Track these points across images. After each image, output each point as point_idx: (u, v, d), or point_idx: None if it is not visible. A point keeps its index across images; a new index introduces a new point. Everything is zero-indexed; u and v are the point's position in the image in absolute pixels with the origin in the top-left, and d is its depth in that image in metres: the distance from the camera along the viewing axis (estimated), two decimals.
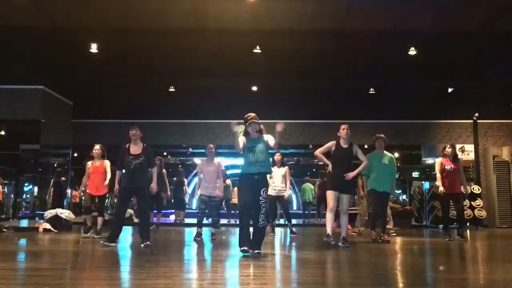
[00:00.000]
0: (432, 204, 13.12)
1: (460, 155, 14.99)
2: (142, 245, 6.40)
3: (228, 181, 14.36)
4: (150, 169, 6.87)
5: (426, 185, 14.53)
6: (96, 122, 15.08)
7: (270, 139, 5.74)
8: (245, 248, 5.45)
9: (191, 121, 15.43)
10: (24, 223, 12.30)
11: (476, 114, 14.98)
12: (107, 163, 8.32)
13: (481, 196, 13.45)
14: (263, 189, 5.57)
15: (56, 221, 9.99)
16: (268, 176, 8.95)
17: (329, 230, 6.86)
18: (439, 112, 14.80)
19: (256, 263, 5.26)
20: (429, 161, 15.79)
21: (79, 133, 14.64)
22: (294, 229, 9.43)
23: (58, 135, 13.89)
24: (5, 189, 15.03)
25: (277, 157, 9.30)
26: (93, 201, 8.59)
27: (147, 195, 6.80)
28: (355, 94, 13.65)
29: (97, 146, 8.47)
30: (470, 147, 15.09)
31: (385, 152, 7.85)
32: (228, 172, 17.93)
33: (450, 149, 8.25)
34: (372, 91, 13.30)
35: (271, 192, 9.22)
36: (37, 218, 11.82)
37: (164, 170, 11.12)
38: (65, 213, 10.31)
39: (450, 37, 10.03)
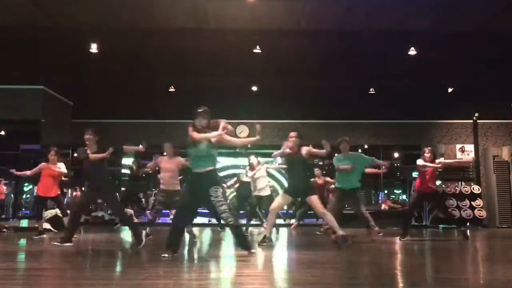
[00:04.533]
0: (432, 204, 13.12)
1: (460, 155, 15.08)
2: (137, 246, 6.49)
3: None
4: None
5: None
6: (96, 122, 15.06)
7: (214, 134, 5.57)
8: (167, 255, 5.20)
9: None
10: (24, 223, 12.30)
11: (476, 114, 14.98)
12: (61, 165, 8.67)
13: (481, 196, 13.46)
14: (212, 188, 5.34)
15: (56, 221, 9.99)
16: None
17: (268, 230, 7.01)
18: (439, 112, 14.79)
19: (256, 263, 5.26)
20: None
21: (79, 133, 14.61)
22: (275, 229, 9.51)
23: (58, 135, 13.89)
24: (5, 189, 15.03)
25: (254, 160, 9.55)
26: (44, 202, 8.88)
27: (111, 197, 6.80)
28: (355, 94, 13.64)
29: (52, 151, 8.70)
30: (470, 147, 15.10)
31: (350, 153, 8.02)
32: (226, 172, 17.93)
33: (429, 154, 8.45)
34: (372, 91, 13.29)
35: (254, 193, 9.53)
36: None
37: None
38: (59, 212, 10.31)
39: (450, 37, 10.03)
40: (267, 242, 6.91)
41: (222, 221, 8.57)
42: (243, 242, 5.56)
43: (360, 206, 8.04)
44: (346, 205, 9.20)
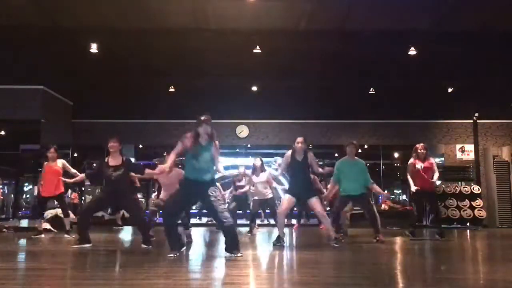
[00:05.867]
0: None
1: (460, 155, 15.08)
2: (145, 246, 6.48)
3: (217, 184, 14.39)
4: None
5: None
6: (96, 122, 15.09)
7: (217, 150, 5.61)
8: (173, 254, 5.34)
9: (191, 121, 15.37)
10: (24, 223, 12.29)
11: (476, 114, 14.98)
12: (61, 162, 8.53)
13: (481, 196, 13.45)
14: (211, 188, 5.39)
15: (56, 221, 9.99)
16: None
17: (280, 232, 7.02)
18: (439, 112, 14.80)
19: (256, 263, 5.27)
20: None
21: (79, 133, 14.65)
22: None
23: (58, 135, 13.88)
24: (5, 189, 15.04)
25: (258, 162, 9.40)
26: (45, 203, 8.87)
27: (131, 202, 6.75)
28: (355, 94, 13.65)
29: (52, 149, 8.61)
30: (470, 147, 15.10)
31: (356, 158, 7.86)
32: (226, 172, 17.91)
33: (423, 150, 8.40)
34: (372, 91, 13.29)
35: (255, 197, 9.47)
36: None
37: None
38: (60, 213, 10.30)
39: (450, 37, 10.03)
40: (281, 243, 6.89)
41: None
42: (234, 243, 5.44)
43: (370, 208, 7.85)
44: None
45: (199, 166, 5.43)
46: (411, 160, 8.50)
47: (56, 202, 9.01)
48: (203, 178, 5.43)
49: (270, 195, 9.38)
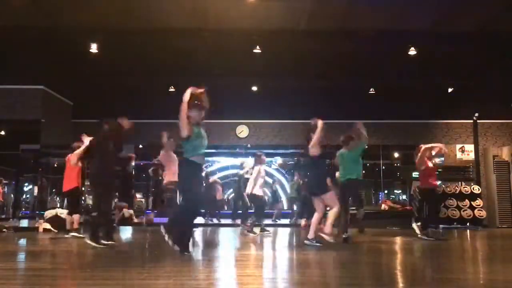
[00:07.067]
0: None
1: (460, 155, 15.10)
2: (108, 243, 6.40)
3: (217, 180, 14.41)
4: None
5: None
6: (96, 122, 15.08)
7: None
8: (190, 251, 5.34)
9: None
10: (24, 223, 12.30)
11: (476, 114, 14.99)
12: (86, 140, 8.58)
13: (481, 196, 13.46)
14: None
15: (55, 221, 9.98)
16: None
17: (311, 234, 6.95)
18: (439, 112, 14.80)
19: (256, 263, 5.27)
20: None
21: (79, 133, 14.63)
22: (254, 229, 9.41)
23: (58, 135, 13.89)
24: (5, 189, 15.03)
25: (258, 156, 9.48)
26: (65, 198, 8.99)
27: (112, 191, 6.70)
28: (355, 94, 13.64)
29: (75, 145, 8.70)
30: (470, 147, 15.10)
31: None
32: (226, 172, 17.95)
33: (428, 152, 8.69)
34: (372, 91, 13.29)
35: (248, 190, 9.45)
36: (37, 218, 11.81)
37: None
38: (65, 213, 10.30)
39: (450, 37, 10.04)
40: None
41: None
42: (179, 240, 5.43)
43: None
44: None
45: (203, 144, 5.45)
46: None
47: (66, 198, 8.95)
48: (204, 157, 5.49)
49: (261, 193, 9.38)
